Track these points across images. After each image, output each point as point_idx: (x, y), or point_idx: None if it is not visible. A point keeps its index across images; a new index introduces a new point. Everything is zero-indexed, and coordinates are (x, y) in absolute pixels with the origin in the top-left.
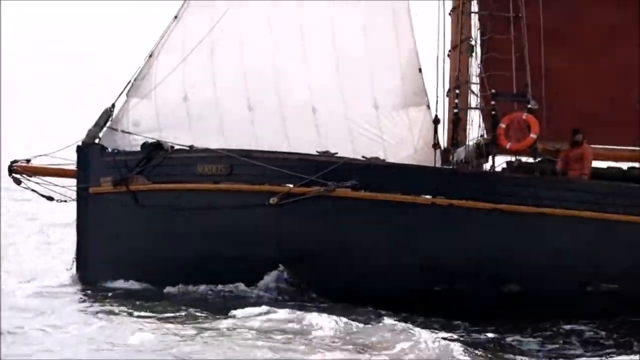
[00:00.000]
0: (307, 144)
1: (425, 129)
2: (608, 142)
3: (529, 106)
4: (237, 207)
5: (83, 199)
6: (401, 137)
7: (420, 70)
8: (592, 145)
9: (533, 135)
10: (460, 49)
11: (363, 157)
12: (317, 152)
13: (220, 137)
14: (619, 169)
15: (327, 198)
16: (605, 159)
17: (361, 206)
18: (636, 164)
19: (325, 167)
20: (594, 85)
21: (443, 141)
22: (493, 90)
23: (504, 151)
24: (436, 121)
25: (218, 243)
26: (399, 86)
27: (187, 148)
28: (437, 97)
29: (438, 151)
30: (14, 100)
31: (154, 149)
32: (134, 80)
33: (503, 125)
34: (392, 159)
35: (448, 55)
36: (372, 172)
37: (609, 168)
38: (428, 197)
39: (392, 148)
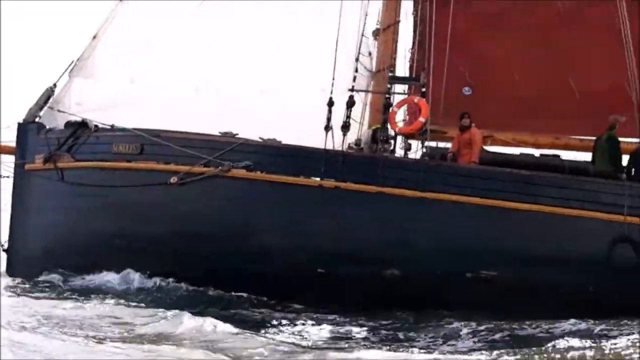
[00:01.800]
0: (248, 127)
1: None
2: (545, 130)
3: (423, 90)
4: (144, 186)
5: (19, 175)
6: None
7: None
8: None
9: (422, 119)
10: (389, 30)
11: (260, 138)
12: (219, 132)
13: (164, 119)
14: (532, 156)
15: (222, 178)
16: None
17: (254, 187)
18: (556, 152)
19: (224, 147)
20: (532, 72)
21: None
22: (390, 74)
23: (399, 135)
24: (330, 103)
25: (124, 222)
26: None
27: (109, 127)
28: (333, 79)
29: (339, 134)
30: None
31: (79, 127)
32: (77, 60)
33: (396, 109)
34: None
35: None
36: (266, 153)
37: (521, 154)
38: (317, 179)
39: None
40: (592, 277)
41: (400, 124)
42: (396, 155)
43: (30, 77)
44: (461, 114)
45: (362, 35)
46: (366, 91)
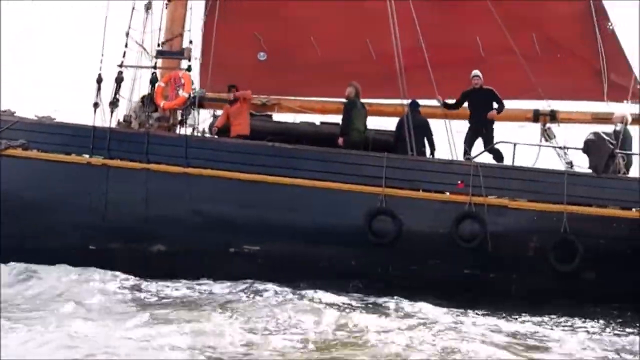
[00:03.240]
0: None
1: None
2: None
3: (188, 64)
4: None
5: None
6: None
7: None
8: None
9: (184, 94)
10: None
11: (36, 116)
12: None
13: None
14: (313, 124)
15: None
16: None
17: (30, 165)
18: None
19: (2, 125)
20: (330, 36)
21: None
22: (158, 48)
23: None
24: (99, 80)
25: None
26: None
27: None
28: (102, 56)
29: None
30: None
31: None
32: None
33: (162, 84)
34: None
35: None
36: (40, 131)
37: (301, 123)
38: (86, 156)
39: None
40: (352, 250)
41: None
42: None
43: None
44: (228, 86)
45: (133, 9)
46: (133, 66)
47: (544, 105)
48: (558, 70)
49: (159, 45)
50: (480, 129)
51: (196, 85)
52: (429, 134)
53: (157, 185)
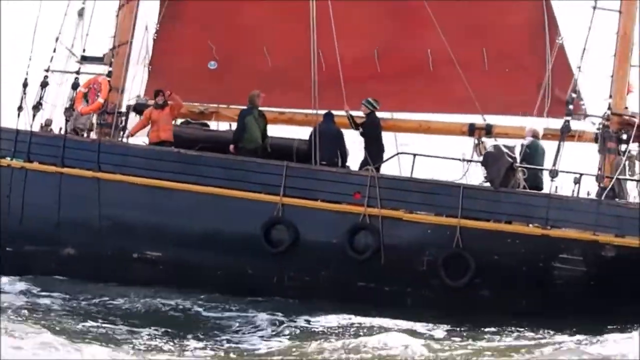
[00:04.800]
0: None
1: None
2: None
3: (109, 69)
4: None
5: None
6: None
7: None
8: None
9: (101, 100)
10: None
11: None
12: None
13: None
14: (229, 131)
15: None
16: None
17: None
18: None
19: None
20: (281, 44)
21: None
22: (82, 54)
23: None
24: (25, 84)
25: None
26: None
27: None
28: (30, 59)
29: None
30: None
31: None
32: None
33: (83, 89)
34: None
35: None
36: None
37: (227, 131)
38: (8, 159)
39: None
40: (249, 258)
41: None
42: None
43: None
44: (155, 92)
45: (65, 15)
46: (59, 71)
47: (481, 119)
48: (503, 83)
49: (84, 50)
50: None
51: (141, 92)
52: (341, 145)
53: (69, 189)
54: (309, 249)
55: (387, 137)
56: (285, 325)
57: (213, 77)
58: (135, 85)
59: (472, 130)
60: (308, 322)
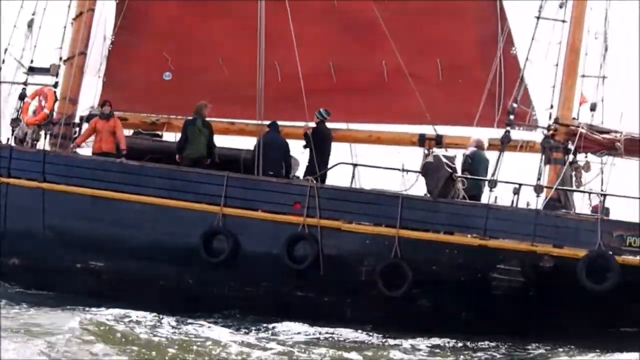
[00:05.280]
0: None
1: None
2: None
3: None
4: None
5: None
6: None
7: None
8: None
9: (46, 110)
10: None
11: None
12: None
13: None
14: None
15: None
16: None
17: None
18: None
19: None
20: (237, 57)
21: None
22: (30, 65)
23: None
24: None
25: None
26: None
27: None
28: None
29: None
30: None
31: None
32: None
33: (29, 100)
34: None
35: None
36: None
37: (163, 142)
38: None
39: None
40: (190, 269)
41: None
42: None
43: None
44: (102, 102)
45: (15, 26)
46: (8, 82)
47: (431, 129)
48: (457, 96)
49: (31, 61)
50: None
51: (95, 103)
52: (286, 155)
53: (15, 199)
54: (249, 259)
55: (343, 147)
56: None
57: (167, 88)
58: (89, 96)
59: (422, 140)
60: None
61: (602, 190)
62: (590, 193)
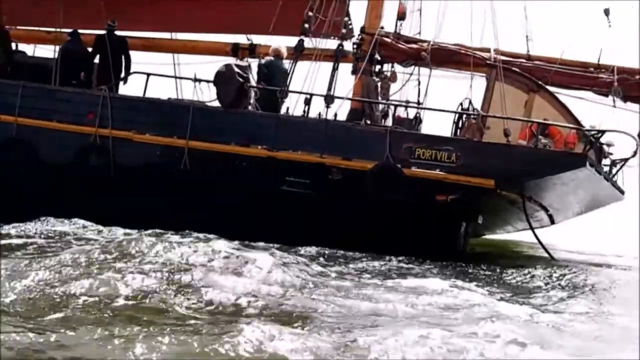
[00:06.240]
0: None
1: None
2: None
3: None
4: None
5: None
6: None
7: None
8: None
9: None
10: None
11: None
12: None
13: None
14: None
15: None
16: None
17: None
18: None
19: None
20: None
21: None
22: None
23: None
24: None
25: None
26: None
27: None
28: None
29: None
30: None
31: None
32: None
33: None
34: None
35: None
36: None
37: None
38: None
39: None
40: None
41: None
42: None
43: None
44: None
45: None
46: None
47: (244, 39)
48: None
49: None
50: None
51: None
52: (87, 65)
53: None
54: (45, 169)
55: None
56: None
57: None
58: None
59: (235, 50)
60: None
61: (418, 102)
62: (406, 106)
